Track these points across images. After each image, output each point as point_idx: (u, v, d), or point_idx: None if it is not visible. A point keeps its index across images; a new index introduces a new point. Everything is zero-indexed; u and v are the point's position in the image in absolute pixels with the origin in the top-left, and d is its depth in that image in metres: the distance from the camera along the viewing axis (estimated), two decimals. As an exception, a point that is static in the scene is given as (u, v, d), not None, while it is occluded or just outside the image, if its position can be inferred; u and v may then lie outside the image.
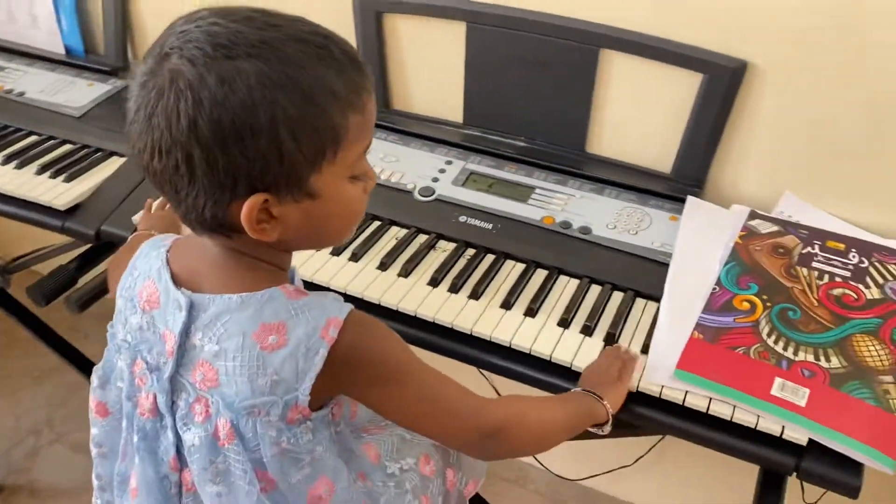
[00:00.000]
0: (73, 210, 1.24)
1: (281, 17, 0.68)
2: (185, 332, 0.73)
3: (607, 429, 0.90)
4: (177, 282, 0.75)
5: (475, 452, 0.86)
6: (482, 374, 1.60)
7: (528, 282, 1.07)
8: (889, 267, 1.04)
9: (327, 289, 1.06)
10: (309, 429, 0.75)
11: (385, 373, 0.76)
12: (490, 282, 1.07)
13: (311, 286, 1.07)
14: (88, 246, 1.30)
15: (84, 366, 1.66)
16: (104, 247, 1.28)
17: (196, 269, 0.75)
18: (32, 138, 1.40)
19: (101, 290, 1.24)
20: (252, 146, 0.64)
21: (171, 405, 0.75)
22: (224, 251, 0.74)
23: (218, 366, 0.71)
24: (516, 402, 0.85)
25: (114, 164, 1.33)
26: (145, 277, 0.77)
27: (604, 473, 1.64)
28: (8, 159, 1.32)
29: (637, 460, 1.57)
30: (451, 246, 1.13)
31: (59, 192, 1.25)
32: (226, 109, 0.63)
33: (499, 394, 1.66)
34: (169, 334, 0.74)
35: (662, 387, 0.91)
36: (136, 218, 1.16)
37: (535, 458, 1.71)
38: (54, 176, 1.28)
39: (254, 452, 0.73)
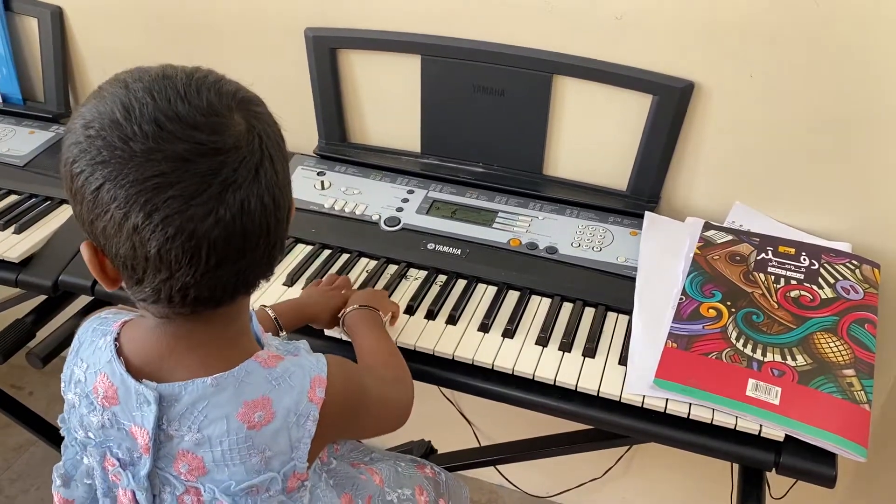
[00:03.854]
0: (26, 262, 1.20)
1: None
2: (158, 426, 0.68)
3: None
4: (134, 373, 0.69)
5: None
6: (445, 397, 1.62)
7: (501, 304, 1.09)
8: (837, 267, 1.10)
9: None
10: (307, 489, 0.73)
11: (361, 405, 0.77)
12: (465, 306, 1.08)
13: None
14: (43, 298, 1.26)
15: (31, 423, 1.59)
16: (61, 298, 1.24)
17: (159, 357, 0.69)
18: (-25, 192, 1.35)
19: (64, 343, 1.20)
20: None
21: (152, 500, 0.72)
22: (201, 329, 0.69)
23: (203, 454, 0.68)
24: (402, 371, 0.93)
25: (65, 212, 1.30)
26: (96, 372, 0.71)
27: (575, 488, 1.67)
28: (-51, 214, 1.27)
29: (606, 472, 1.61)
30: (423, 274, 1.14)
31: (10, 244, 1.21)
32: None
33: (464, 416, 1.67)
34: (139, 430, 0.69)
35: (644, 396, 0.94)
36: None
37: (506, 478, 1.72)
38: (3, 228, 1.24)
39: None
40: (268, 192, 0.62)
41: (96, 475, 0.74)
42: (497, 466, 1.66)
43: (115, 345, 0.70)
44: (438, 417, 1.60)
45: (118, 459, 0.71)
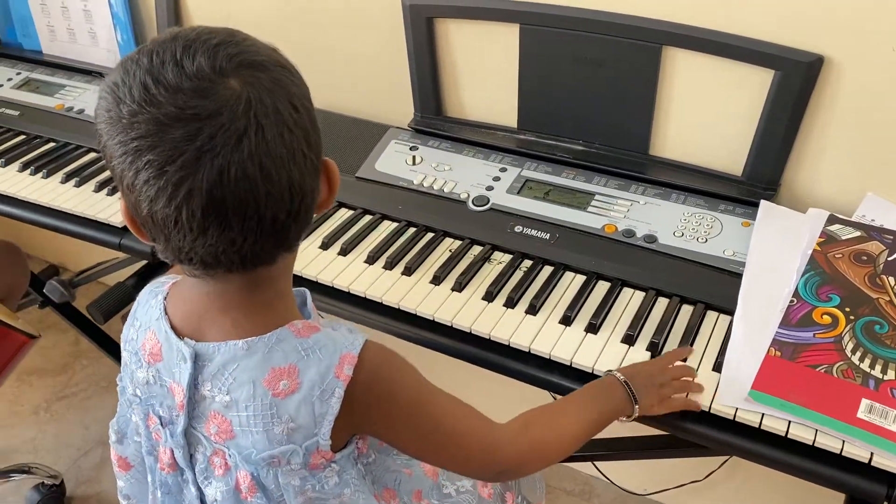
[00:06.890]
0: (129, 227, 1.25)
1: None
2: (194, 384, 0.69)
3: (628, 422, 0.87)
4: (177, 331, 0.70)
5: (489, 481, 0.88)
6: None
7: (588, 295, 1.02)
8: None
9: (379, 304, 1.03)
10: (334, 471, 0.71)
11: (402, 407, 0.72)
12: (548, 296, 1.02)
13: (363, 302, 1.04)
14: (145, 263, 1.31)
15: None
16: (161, 263, 1.28)
17: (197, 316, 0.70)
18: (91, 156, 1.41)
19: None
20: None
21: (189, 459, 0.73)
22: (231, 291, 0.68)
23: (231, 417, 0.68)
24: (534, 428, 0.79)
25: (169, 179, 1.34)
26: (146, 329, 0.73)
27: (673, 489, 1.57)
28: (67, 177, 1.33)
29: (708, 476, 1.50)
30: (507, 258, 1.09)
31: (116, 209, 1.25)
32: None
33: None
34: (177, 387, 0.70)
35: (737, 409, 0.85)
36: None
37: (601, 472, 1.65)
38: (112, 193, 1.29)
39: (279, 503, 0.71)
40: (252, 162, 0.59)
41: (141, 432, 0.76)
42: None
43: (164, 304, 0.73)
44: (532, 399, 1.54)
45: (159, 417, 0.74)
